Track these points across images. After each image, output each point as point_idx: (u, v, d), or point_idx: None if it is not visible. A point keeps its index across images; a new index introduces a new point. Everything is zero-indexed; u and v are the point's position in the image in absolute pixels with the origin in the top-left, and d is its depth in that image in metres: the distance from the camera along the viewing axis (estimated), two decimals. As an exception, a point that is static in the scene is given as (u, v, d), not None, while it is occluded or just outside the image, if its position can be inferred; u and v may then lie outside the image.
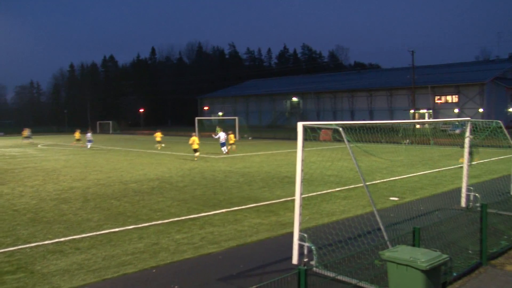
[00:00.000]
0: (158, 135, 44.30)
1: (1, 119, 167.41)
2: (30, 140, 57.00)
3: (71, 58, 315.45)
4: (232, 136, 38.81)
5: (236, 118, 65.74)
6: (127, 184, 19.83)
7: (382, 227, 9.13)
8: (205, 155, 33.93)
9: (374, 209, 9.12)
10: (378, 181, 19.75)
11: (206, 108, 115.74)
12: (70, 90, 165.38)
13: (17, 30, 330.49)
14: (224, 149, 35.31)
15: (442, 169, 24.12)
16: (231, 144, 38.07)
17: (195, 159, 30.93)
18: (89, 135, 47.57)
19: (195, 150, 31.20)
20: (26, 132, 58.34)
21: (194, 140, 31.23)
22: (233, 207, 14.58)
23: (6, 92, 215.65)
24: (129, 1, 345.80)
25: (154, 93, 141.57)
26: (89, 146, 46.05)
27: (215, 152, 36.38)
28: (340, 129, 9.07)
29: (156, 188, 18.64)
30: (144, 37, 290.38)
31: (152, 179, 21.20)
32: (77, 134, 51.70)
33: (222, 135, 36.06)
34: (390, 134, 39.02)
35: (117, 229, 11.84)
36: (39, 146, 50.44)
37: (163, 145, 44.34)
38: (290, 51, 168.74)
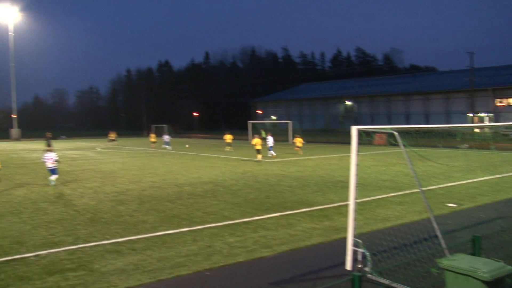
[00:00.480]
0: (228, 137, 44.93)
1: (64, 123, 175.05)
2: (115, 143, 60.03)
3: (128, 63, 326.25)
4: (299, 139, 39.84)
5: (290, 122, 65.66)
6: (181, 187, 20.17)
7: (439, 234, 8.85)
8: (259, 159, 34.07)
9: (431, 215, 8.86)
10: (435, 187, 19.18)
11: (259, 112, 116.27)
12: (127, 94, 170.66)
13: (78, 37, 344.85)
14: (272, 152, 35.53)
15: (505, 175, 23.12)
16: (298, 147, 39.34)
17: (258, 159, 31.75)
18: (167, 137, 48.64)
19: (258, 151, 32.08)
20: (113, 135, 60.98)
21: (258, 142, 32.26)
22: (286, 211, 14.54)
23: (68, 96, 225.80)
24: (184, 7, 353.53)
25: (208, 97, 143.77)
26: (169, 148, 46.98)
27: (267, 156, 36.52)
28: (395, 133, 8.88)
29: (209, 191, 18.85)
30: (198, 42, 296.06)
31: (206, 182, 21.44)
32: (152, 137, 53.06)
33: (270, 139, 36.11)
34: (447, 139, 37.86)
35: (171, 231, 12.07)
36: (97, 149, 52.24)
37: (231, 148, 44.68)
38: (344, 55, 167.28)
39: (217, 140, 75.06)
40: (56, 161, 21.12)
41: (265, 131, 60.90)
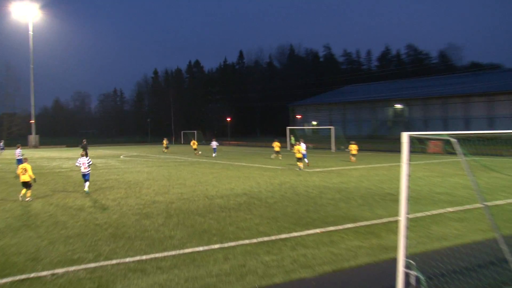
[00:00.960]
0: (276, 145, 46.12)
1: (86, 128, 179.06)
2: (169, 149, 62.50)
3: (156, 64, 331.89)
4: (354, 146, 41.42)
5: (332, 127, 65.30)
6: (212, 199, 20.26)
7: (509, 258, 8.56)
8: (296, 169, 33.92)
9: (498, 235, 8.58)
10: (502, 202, 18.62)
11: (298, 116, 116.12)
12: (153, 98, 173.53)
13: (100, 37, 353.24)
14: (306, 160, 35.72)
15: None
16: (353, 155, 41.02)
17: (300, 168, 32.89)
18: (215, 143, 52.18)
19: (299, 160, 33.29)
20: (166, 141, 62.92)
21: (299, 149, 33.51)
22: (328, 227, 14.42)
23: (91, 100, 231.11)
24: (214, 3, 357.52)
25: (242, 101, 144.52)
26: (214, 155, 50.47)
27: (308, 165, 36.29)
28: (453, 140, 8.67)
29: (243, 204, 18.88)
30: (231, 40, 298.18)
31: (239, 194, 21.50)
32: (194, 143, 56.66)
33: (303, 146, 36.07)
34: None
35: (201, 248, 12.09)
36: (121, 157, 53.14)
37: (277, 156, 45.80)
38: (393, 52, 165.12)
39: (252, 148, 75.26)
40: (89, 165, 23.19)
41: (295, 137, 61.10)
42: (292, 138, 58.88)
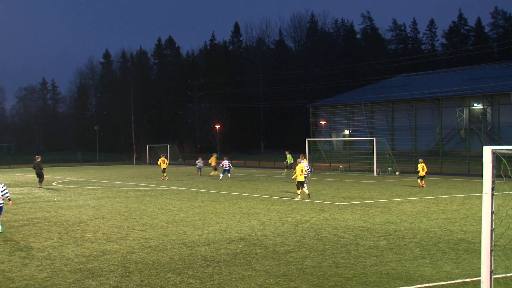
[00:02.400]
0: (289, 158, 46.29)
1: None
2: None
3: (107, 43, 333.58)
4: (423, 165, 43.39)
5: (374, 139, 65.25)
6: (193, 247, 20.04)
7: None
8: (319, 201, 33.70)
9: None
10: None
11: (322, 122, 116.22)
12: (104, 94, 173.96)
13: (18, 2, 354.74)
14: (306, 190, 36.39)
15: None
16: (422, 178, 43.11)
17: (299, 197, 34.52)
18: (226, 162, 55.98)
19: (300, 184, 35.10)
20: (165, 161, 63.26)
21: (302, 169, 34.67)
22: (370, 290, 14.23)
23: (5, 98, 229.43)
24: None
25: (239, 99, 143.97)
26: (221, 177, 54.87)
27: (336, 196, 36.02)
28: None
29: (240, 254, 18.67)
30: (222, 8, 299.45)
31: (234, 240, 21.32)
32: (164, 161, 57.66)
33: (305, 165, 36.04)
34: None
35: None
36: (54, 184, 52.92)
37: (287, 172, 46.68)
38: (470, 23, 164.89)
39: (253, 169, 75.14)
40: (3, 195, 23.32)
41: (288, 153, 61.74)
42: (289, 156, 59.95)
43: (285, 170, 48.62)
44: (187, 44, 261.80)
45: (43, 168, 49.48)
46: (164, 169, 56.56)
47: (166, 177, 55.81)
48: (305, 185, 36.12)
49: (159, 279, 15.54)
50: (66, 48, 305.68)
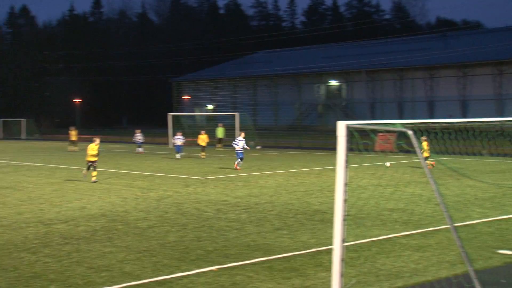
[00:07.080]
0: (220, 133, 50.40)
1: None
2: (75, 148, 59.66)
3: None
4: (425, 143, 37.56)
5: (237, 113, 65.72)
6: (50, 225, 19.72)
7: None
8: (182, 175, 33.86)
9: (470, 270, 8.92)
10: (477, 221, 19.50)
11: (186, 97, 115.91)
12: None
13: None
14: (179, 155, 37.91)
15: None
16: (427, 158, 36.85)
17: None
18: (139, 136, 56.27)
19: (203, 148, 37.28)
20: (74, 133, 61.09)
21: (204, 139, 38.23)
22: (229, 262, 14.50)
23: None
24: None
25: (99, 72, 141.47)
26: (140, 150, 55.81)
27: (199, 170, 36.29)
28: (410, 132, 8.91)
29: (100, 230, 18.58)
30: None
31: (95, 216, 21.14)
32: (73, 134, 58.86)
33: (240, 142, 38.01)
34: (497, 141, 38.44)
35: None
36: None
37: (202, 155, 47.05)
38: (328, 3, 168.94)
39: (116, 144, 74.27)
40: None
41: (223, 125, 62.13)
42: (220, 129, 60.94)
43: (218, 145, 49.64)
44: (44, 14, 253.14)
45: None
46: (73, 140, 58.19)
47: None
48: (239, 160, 37.25)
49: (12, 259, 15.18)
50: None
